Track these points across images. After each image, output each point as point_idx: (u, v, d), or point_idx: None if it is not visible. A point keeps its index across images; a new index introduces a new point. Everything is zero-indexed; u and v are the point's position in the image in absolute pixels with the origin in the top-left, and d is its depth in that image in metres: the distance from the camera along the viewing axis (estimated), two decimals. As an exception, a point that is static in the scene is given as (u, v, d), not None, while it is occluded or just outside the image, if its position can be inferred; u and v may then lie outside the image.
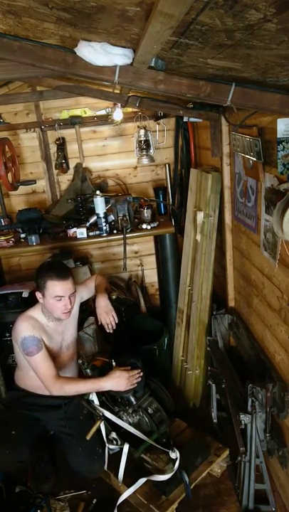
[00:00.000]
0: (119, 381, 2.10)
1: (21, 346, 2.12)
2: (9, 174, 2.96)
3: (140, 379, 2.19)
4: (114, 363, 2.23)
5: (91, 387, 2.14)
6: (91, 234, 2.95)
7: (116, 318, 2.36)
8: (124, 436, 2.21)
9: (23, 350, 2.12)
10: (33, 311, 2.22)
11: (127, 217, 2.88)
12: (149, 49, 1.11)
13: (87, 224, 3.01)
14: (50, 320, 2.21)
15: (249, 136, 1.91)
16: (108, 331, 2.37)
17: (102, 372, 2.21)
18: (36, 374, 2.14)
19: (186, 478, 2.05)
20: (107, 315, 2.34)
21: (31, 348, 2.09)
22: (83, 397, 2.31)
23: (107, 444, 2.21)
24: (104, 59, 1.32)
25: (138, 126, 3.23)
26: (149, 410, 2.25)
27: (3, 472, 2.30)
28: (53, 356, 2.23)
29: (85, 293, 2.50)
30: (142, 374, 2.20)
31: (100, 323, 2.39)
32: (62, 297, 2.11)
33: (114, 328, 2.37)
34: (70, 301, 2.16)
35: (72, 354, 2.42)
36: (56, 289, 2.10)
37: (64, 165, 3.35)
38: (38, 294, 2.15)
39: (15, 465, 2.14)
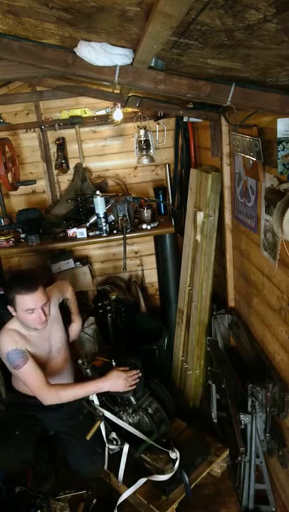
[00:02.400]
0: (116, 382, 2.09)
1: (7, 361, 2.09)
2: (9, 174, 2.96)
3: (139, 380, 2.17)
4: (114, 363, 2.23)
5: (89, 390, 2.11)
6: (91, 234, 2.94)
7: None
8: (124, 436, 2.21)
9: (9, 364, 2.09)
10: (12, 324, 2.15)
11: (127, 217, 2.88)
12: (149, 49, 1.11)
13: (87, 224, 3.01)
14: (31, 330, 2.15)
15: (249, 136, 1.91)
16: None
17: (102, 372, 2.21)
18: (27, 386, 2.10)
19: (186, 478, 2.05)
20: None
21: (17, 361, 2.05)
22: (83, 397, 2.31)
23: (107, 444, 2.22)
24: (104, 59, 1.32)
25: (138, 126, 3.23)
26: (149, 410, 2.25)
27: (4, 472, 2.30)
28: (45, 362, 2.21)
29: (60, 294, 2.46)
30: (140, 375, 2.19)
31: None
32: (33, 309, 2.05)
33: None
34: (44, 311, 2.09)
35: (67, 356, 2.38)
36: (26, 302, 2.02)
37: (64, 165, 3.35)
38: (10, 308, 2.09)
39: (19, 465, 2.14)
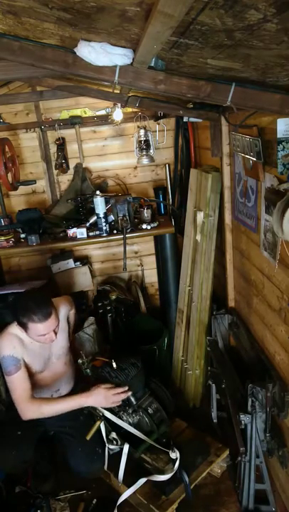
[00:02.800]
0: (97, 398, 2.08)
1: (1, 365, 2.09)
2: (9, 174, 2.96)
3: (125, 396, 2.15)
4: (114, 363, 2.23)
5: (72, 405, 2.09)
6: (91, 234, 2.94)
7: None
8: (124, 436, 2.21)
9: (2, 369, 2.09)
10: (15, 328, 2.11)
11: (127, 217, 2.88)
12: (149, 49, 1.11)
13: (87, 224, 3.00)
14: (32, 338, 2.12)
15: (249, 136, 1.91)
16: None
17: (98, 376, 2.20)
18: (11, 395, 2.09)
19: (186, 478, 2.05)
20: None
21: (9, 368, 2.05)
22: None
23: (107, 444, 2.21)
24: (104, 59, 1.32)
25: (138, 126, 3.23)
26: (149, 410, 2.25)
27: (4, 472, 2.30)
28: (42, 367, 2.20)
29: (69, 306, 2.43)
30: (127, 392, 2.15)
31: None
32: (45, 334, 2.04)
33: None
34: (55, 332, 2.08)
35: (66, 361, 2.36)
36: (38, 329, 2.00)
37: (64, 165, 3.35)
38: (20, 329, 2.06)
39: (21, 465, 2.14)
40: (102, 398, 2.09)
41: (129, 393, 2.17)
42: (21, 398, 2.06)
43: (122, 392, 2.13)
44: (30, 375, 2.16)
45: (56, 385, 2.31)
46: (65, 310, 2.36)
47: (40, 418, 2.22)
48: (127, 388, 2.16)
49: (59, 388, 2.33)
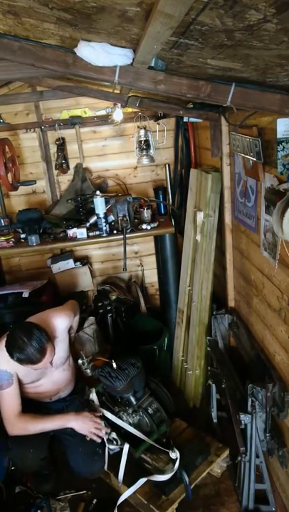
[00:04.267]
0: (81, 423, 2.09)
1: None
2: (9, 174, 2.96)
3: (103, 435, 2.13)
4: (114, 363, 2.23)
5: (57, 424, 2.09)
6: (91, 234, 2.95)
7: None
8: (124, 436, 2.21)
9: None
10: None
11: (127, 217, 2.88)
12: (149, 49, 1.11)
13: (87, 224, 3.00)
14: None
15: (249, 136, 1.91)
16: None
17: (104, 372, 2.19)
18: (1, 409, 2.08)
19: (186, 478, 2.05)
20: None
21: (0, 382, 2.04)
22: (83, 397, 2.31)
23: (107, 445, 2.21)
24: (104, 59, 1.32)
25: (138, 127, 3.23)
26: (149, 410, 2.25)
27: (4, 472, 2.30)
28: (39, 375, 2.17)
29: (73, 317, 2.38)
30: (107, 432, 2.16)
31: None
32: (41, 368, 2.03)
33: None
34: (51, 363, 2.08)
35: (64, 368, 2.32)
36: (33, 367, 1.97)
37: (64, 165, 3.35)
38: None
39: (38, 463, 2.14)
40: (84, 424, 2.09)
41: (107, 435, 2.15)
42: (8, 414, 2.06)
43: (103, 429, 2.13)
44: (26, 384, 2.15)
45: (55, 389, 2.30)
46: (66, 323, 2.27)
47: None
48: (109, 430, 2.16)
49: (58, 392, 2.32)
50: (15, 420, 2.06)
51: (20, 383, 2.13)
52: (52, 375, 2.24)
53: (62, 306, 2.43)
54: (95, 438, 2.12)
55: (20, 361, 1.93)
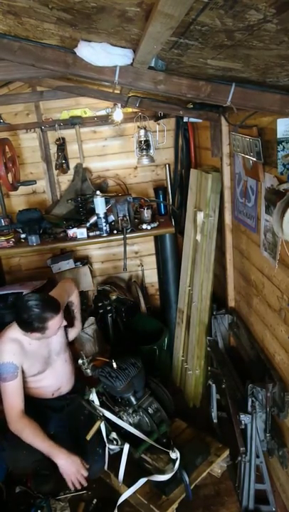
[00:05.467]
0: (65, 464, 2.01)
1: None
2: (9, 174, 2.96)
3: (78, 484, 2.05)
4: (114, 363, 2.23)
5: (44, 449, 2.01)
6: (91, 234, 2.95)
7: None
8: (125, 436, 2.21)
9: None
10: (15, 332, 2.10)
11: (127, 217, 2.88)
12: (149, 49, 1.11)
13: (88, 224, 3.01)
14: (33, 338, 2.12)
15: (249, 136, 1.91)
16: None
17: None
18: (3, 402, 2.08)
19: (186, 478, 2.05)
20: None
21: (5, 374, 2.04)
22: (84, 397, 2.31)
23: (107, 444, 2.22)
24: (104, 59, 1.32)
25: (138, 127, 3.23)
26: (150, 410, 2.25)
27: (4, 472, 2.30)
28: (44, 367, 2.19)
29: (66, 297, 2.47)
30: (82, 484, 2.06)
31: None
32: (58, 327, 2.10)
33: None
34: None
35: (66, 358, 2.36)
36: (57, 323, 2.06)
37: (64, 165, 3.35)
38: (35, 335, 2.05)
39: (31, 465, 2.12)
40: (71, 467, 2.01)
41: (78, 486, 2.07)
42: (12, 409, 2.05)
43: (83, 481, 2.05)
44: (30, 377, 2.16)
45: (57, 383, 2.31)
46: (62, 302, 2.32)
47: (41, 418, 2.22)
48: (86, 485, 2.07)
49: (60, 387, 2.33)
50: (16, 419, 2.05)
51: (24, 378, 2.14)
52: (55, 366, 2.27)
53: (52, 291, 2.46)
54: (70, 485, 2.04)
55: (38, 319, 1.98)
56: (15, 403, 2.06)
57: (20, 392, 2.09)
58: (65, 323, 2.17)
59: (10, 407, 2.06)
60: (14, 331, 2.11)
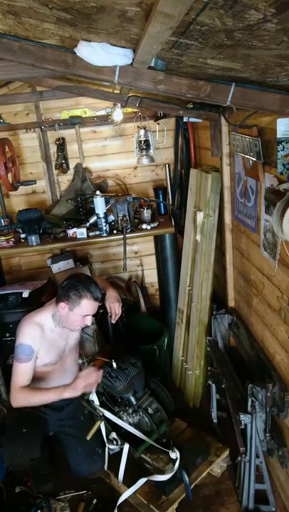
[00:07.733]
0: (76, 384, 2.07)
1: (15, 349, 2.12)
2: (9, 174, 2.96)
3: (94, 384, 2.13)
4: (114, 363, 2.23)
5: (53, 397, 2.09)
6: (91, 234, 2.95)
7: (120, 310, 2.41)
8: (124, 436, 2.21)
9: (14, 353, 2.13)
10: (43, 316, 2.17)
11: (127, 217, 2.88)
12: (149, 49, 1.11)
13: (87, 224, 3.01)
14: (58, 326, 2.18)
15: (249, 136, 1.91)
16: (112, 321, 2.41)
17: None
18: (11, 380, 2.13)
19: (186, 479, 2.05)
20: (115, 305, 2.39)
21: (21, 355, 2.09)
22: (83, 397, 2.31)
23: (107, 444, 2.22)
24: (104, 59, 1.32)
25: (138, 127, 3.23)
26: (149, 410, 2.25)
27: (4, 472, 2.30)
28: (56, 360, 2.22)
29: None
30: (100, 374, 2.14)
31: (109, 314, 2.42)
32: (89, 315, 2.14)
33: (117, 319, 2.43)
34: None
35: (75, 357, 2.41)
36: (88, 309, 2.10)
37: (64, 165, 3.35)
38: (63, 306, 2.10)
39: (28, 463, 2.13)
40: (79, 384, 2.07)
41: (93, 389, 2.16)
42: (17, 384, 2.10)
43: (97, 373, 2.12)
44: (41, 367, 2.19)
45: (62, 380, 2.29)
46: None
47: (43, 417, 2.22)
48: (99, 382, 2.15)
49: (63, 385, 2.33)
50: (18, 391, 2.09)
51: (35, 367, 2.16)
52: (65, 362, 2.30)
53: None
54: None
55: (85, 294, 2.06)
56: (21, 382, 2.10)
57: (30, 375, 2.12)
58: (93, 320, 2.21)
59: (16, 384, 2.10)
60: (41, 316, 2.17)
